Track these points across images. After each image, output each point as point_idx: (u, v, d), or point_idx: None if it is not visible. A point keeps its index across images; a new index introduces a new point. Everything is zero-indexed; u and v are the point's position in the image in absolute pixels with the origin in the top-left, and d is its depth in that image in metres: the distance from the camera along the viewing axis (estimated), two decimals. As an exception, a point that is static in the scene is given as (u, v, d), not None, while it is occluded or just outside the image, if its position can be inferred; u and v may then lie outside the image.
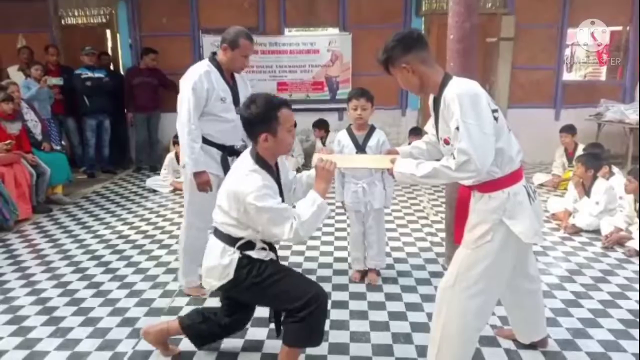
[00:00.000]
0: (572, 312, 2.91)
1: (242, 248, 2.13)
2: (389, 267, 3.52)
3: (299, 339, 2.13)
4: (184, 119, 2.83)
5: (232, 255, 2.11)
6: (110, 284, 3.34)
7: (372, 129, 3.15)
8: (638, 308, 2.93)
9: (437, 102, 2.00)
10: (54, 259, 3.81)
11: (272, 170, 2.16)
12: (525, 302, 2.38)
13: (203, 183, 2.93)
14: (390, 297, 3.11)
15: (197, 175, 2.90)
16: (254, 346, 2.57)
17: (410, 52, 1.98)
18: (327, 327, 2.75)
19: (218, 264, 2.13)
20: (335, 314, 2.90)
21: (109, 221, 4.73)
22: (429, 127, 2.26)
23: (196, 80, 2.82)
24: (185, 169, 2.96)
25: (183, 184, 3.14)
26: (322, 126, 6.59)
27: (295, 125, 2.19)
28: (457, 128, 1.82)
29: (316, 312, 2.07)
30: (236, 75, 3.07)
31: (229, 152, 3.03)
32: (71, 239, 4.25)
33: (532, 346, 2.50)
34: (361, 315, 2.89)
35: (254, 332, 2.69)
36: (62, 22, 7.28)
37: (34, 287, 3.31)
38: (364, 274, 3.35)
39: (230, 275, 2.11)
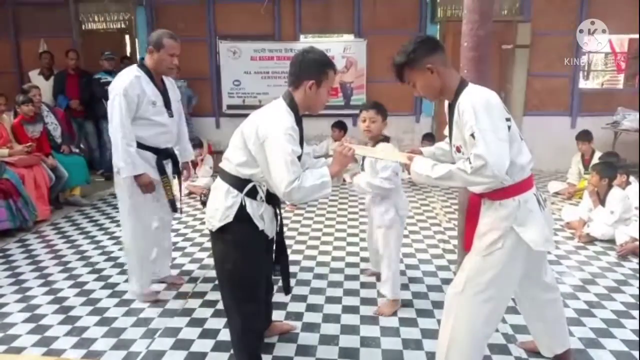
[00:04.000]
0: (585, 321, 2.89)
1: (246, 194, 2.11)
2: (401, 272, 3.51)
3: (232, 343, 2.34)
4: (116, 124, 2.83)
5: (235, 198, 2.11)
6: (125, 285, 3.39)
7: (379, 141, 2.96)
8: (652, 319, 2.90)
9: (451, 108, 2.01)
10: (71, 259, 3.88)
11: (300, 122, 2.15)
12: (545, 313, 2.36)
13: (146, 184, 2.95)
14: (401, 303, 3.11)
15: (138, 178, 2.92)
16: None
17: (435, 54, 1.98)
18: (337, 331, 2.78)
19: (221, 205, 2.12)
20: (345, 319, 2.92)
21: (125, 223, 4.79)
22: (448, 131, 2.22)
23: (126, 86, 2.83)
24: (119, 175, 2.92)
25: (118, 190, 3.06)
26: (341, 127, 6.47)
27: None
28: (472, 135, 1.82)
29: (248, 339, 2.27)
30: (165, 79, 3.10)
31: (164, 156, 3.07)
32: (88, 239, 4.33)
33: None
34: (372, 320, 2.91)
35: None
36: (83, 27, 7.44)
37: (52, 286, 3.39)
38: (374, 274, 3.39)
39: (230, 218, 2.10)
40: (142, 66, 2.99)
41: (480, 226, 2.08)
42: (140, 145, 2.95)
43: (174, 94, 3.16)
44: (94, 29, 7.52)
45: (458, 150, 1.99)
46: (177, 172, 3.28)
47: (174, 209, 3.21)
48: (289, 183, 1.95)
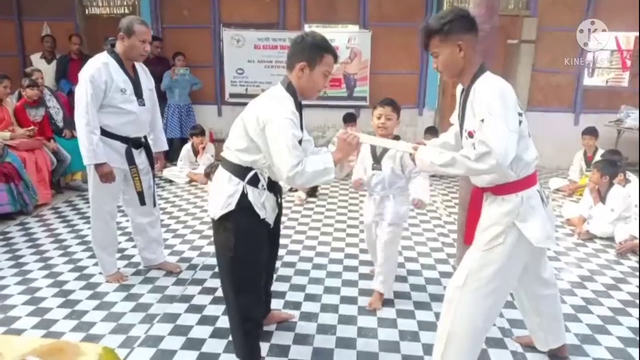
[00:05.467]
0: (581, 318, 2.90)
1: (248, 182, 2.11)
2: (400, 265, 3.53)
3: (231, 331, 2.34)
4: (81, 111, 2.81)
5: (237, 186, 2.10)
6: (124, 269, 3.41)
7: (395, 139, 2.78)
8: (649, 317, 2.91)
9: (465, 93, 1.98)
10: (72, 243, 3.91)
11: (299, 106, 2.13)
12: (542, 308, 2.37)
13: (105, 174, 2.91)
14: (399, 295, 3.12)
15: (98, 167, 2.89)
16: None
17: (470, 33, 1.93)
18: (335, 321, 2.80)
19: (222, 192, 2.12)
20: (343, 309, 2.94)
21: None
22: (455, 118, 2.20)
23: (93, 73, 2.81)
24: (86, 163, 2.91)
25: (88, 177, 3.06)
26: (351, 119, 6.31)
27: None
28: (483, 120, 1.80)
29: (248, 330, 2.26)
30: (138, 67, 3.06)
31: (134, 145, 3.02)
32: (88, 224, 4.30)
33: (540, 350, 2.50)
34: (369, 311, 2.92)
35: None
36: (86, 11, 7.40)
37: (52, 269, 3.41)
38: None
39: (232, 206, 2.09)
40: (112, 52, 2.95)
41: (482, 220, 2.08)
42: (109, 134, 2.92)
43: (147, 82, 3.10)
44: (97, 13, 7.48)
45: (470, 135, 1.94)
46: (151, 162, 3.20)
47: (142, 201, 3.14)
48: (291, 167, 1.95)
